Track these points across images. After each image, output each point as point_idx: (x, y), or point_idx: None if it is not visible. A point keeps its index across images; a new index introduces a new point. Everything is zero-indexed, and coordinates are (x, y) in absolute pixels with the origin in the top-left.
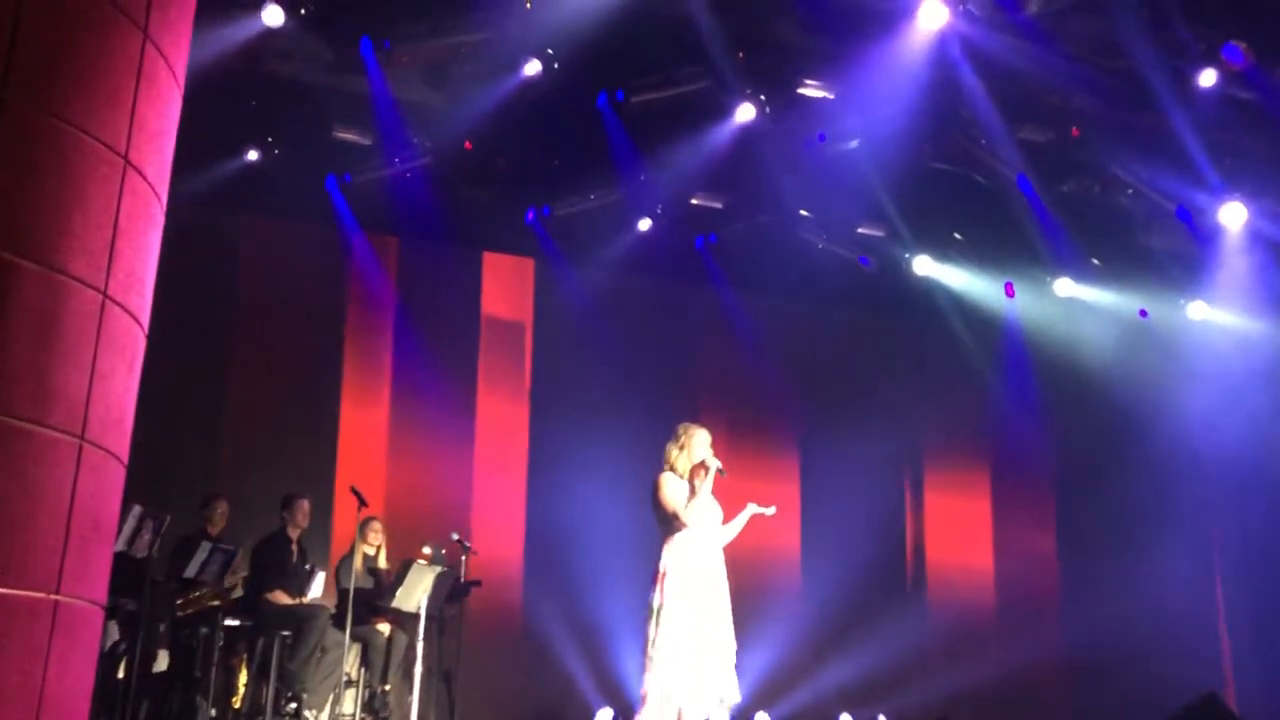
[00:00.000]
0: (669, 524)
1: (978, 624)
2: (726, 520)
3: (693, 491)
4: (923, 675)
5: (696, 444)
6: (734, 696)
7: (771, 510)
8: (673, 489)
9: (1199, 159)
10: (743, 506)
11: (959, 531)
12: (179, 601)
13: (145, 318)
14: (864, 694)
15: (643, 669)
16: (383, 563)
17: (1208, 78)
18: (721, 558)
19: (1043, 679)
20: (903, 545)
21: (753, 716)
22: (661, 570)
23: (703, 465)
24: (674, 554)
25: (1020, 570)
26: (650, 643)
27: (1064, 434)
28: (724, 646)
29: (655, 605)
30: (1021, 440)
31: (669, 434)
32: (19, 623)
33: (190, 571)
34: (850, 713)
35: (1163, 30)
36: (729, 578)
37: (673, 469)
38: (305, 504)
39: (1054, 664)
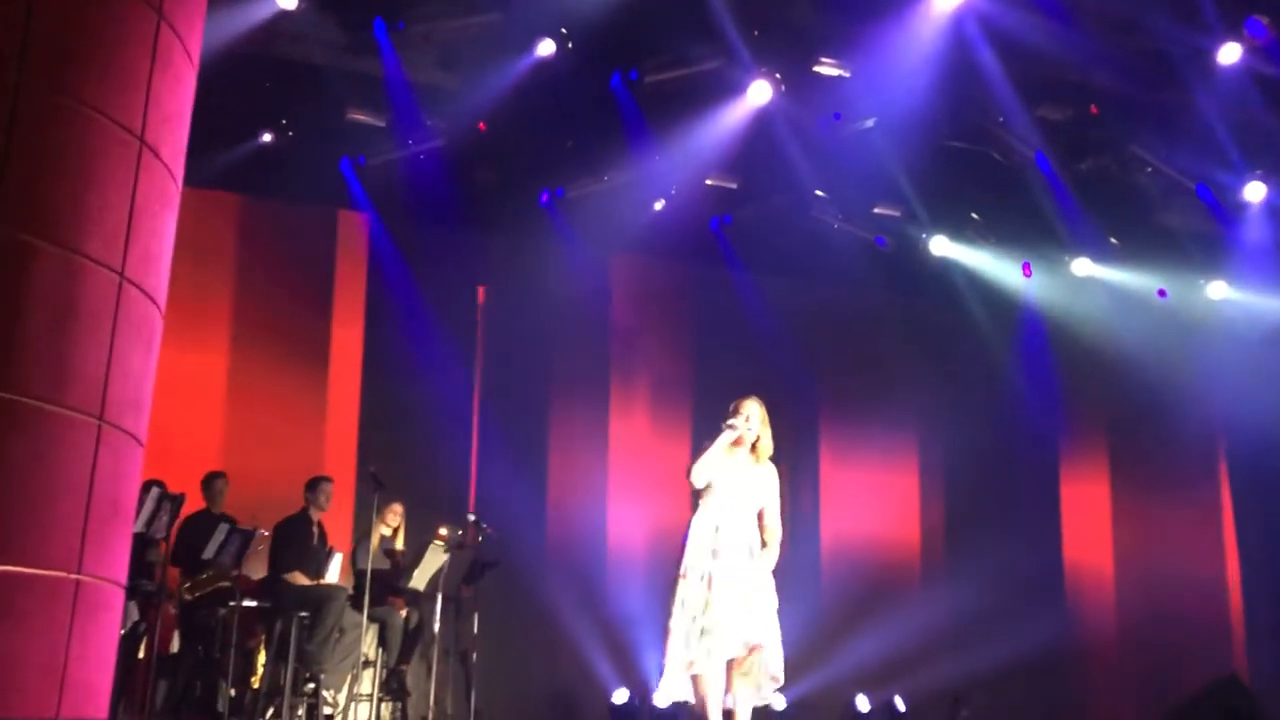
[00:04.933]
0: (696, 491)
1: (993, 604)
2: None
3: (704, 452)
4: (939, 655)
5: (739, 415)
6: (769, 689)
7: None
8: (701, 452)
9: (1220, 136)
10: (759, 487)
11: (974, 512)
12: (187, 584)
13: (162, 298)
14: (880, 675)
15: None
16: (400, 545)
17: (1229, 53)
18: (742, 538)
19: (1056, 660)
20: (918, 525)
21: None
22: (685, 538)
23: (736, 434)
24: (695, 521)
25: (1035, 551)
26: (669, 611)
27: (1081, 414)
28: (726, 623)
29: (679, 574)
30: (1038, 420)
31: (681, 413)
32: (41, 602)
33: (209, 553)
34: (866, 693)
35: (1184, 5)
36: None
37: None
38: (329, 486)
39: (1068, 645)
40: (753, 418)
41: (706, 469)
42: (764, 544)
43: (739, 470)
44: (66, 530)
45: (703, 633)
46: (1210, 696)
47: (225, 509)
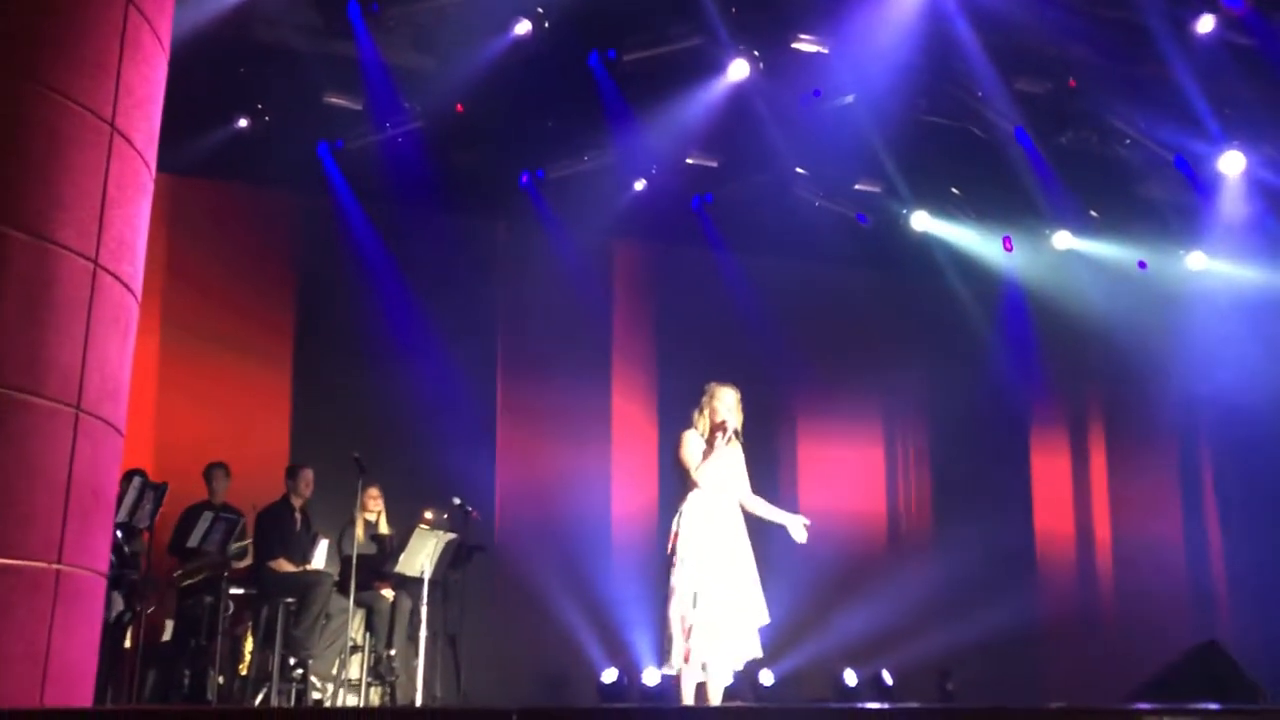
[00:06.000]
0: (684, 482)
1: (978, 578)
2: (752, 486)
3: (708, 451)
4: (925, 629)
5: (718, 403)
6: (753, 652)
7: (802, 535)
8: (689, 447)
9: (1198, 107)
10: (755, 468)
11: (960, 486)
12: (177, 573)
13: (138, 285)
14: (867, 649)
15: (664, 627)
16: (383, 528)
17: (1206, 24)
18: (739, 517)
19: (1042, 632)
20: (901, 501)
21: (756, 674)
22: (674, 529)
23: (721, 426)
24: (686, 513)
25: (1019, 524)
26: (667, 601)
27: (1064, 387)
28: (742, 604)
29: (670, 564)
30: (1020, 394)
31: (660, 393)
32: (21, 593)
33: (193, 541)
34: (854, 667)
35: None
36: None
37: (695, 427)
38: (309, 473)
39: (1054, 617)
40: (734, 407)
41: (709, 467)
42: (750, 512)
43: (723, 457)
44: (46, 520)
45: (711, 625)
46: (1190, 662)
47: (229, 499)
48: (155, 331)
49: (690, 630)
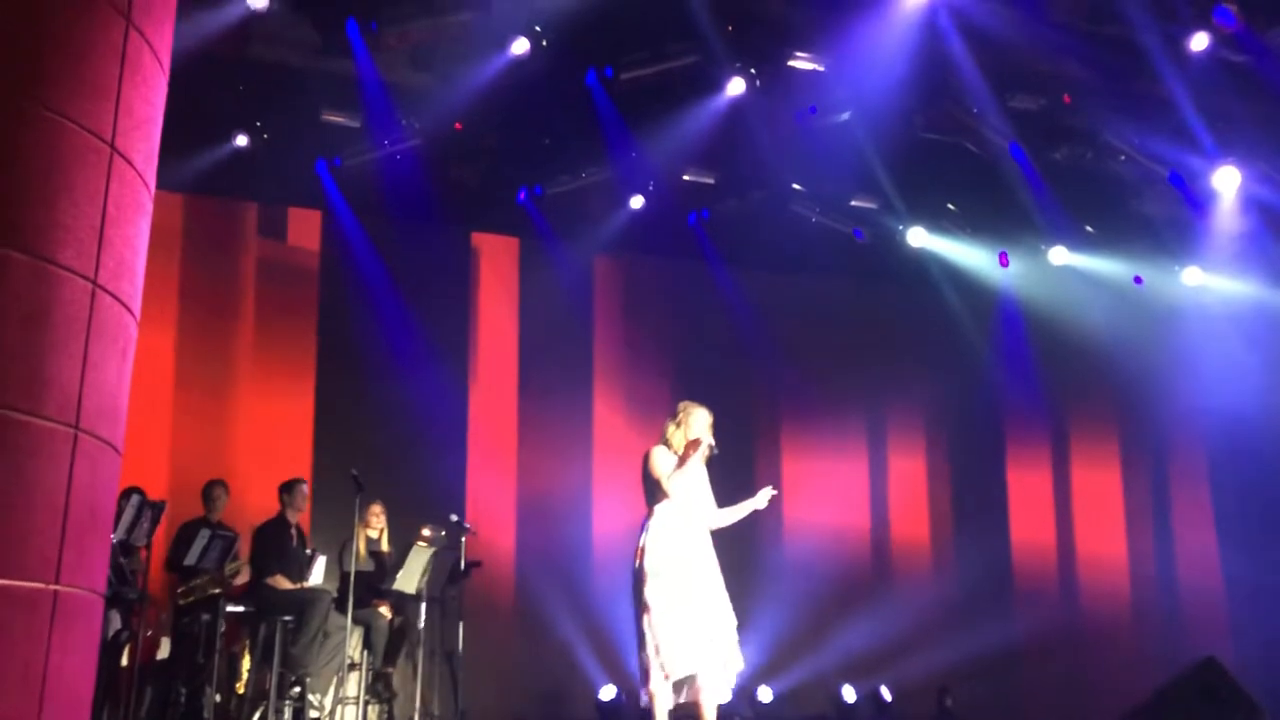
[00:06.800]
0: (654, 495)
1: (977, 594)
2: (720, 505)
3: (679, 465)
4: (923, 646)
5: (694, 422)
6: (737, 664)
7: (764, 500)
8: (661, 460)
9: (1192, 123)
10: (740, 479)
11: (957, 501)
12: (180, 589)
13: (136, 306)
14: (865, 665)
15: (638, 645)
16: (385, 546)
17: (1199, 41)
18: (707, 534)
19: (1040, 648)
20: (902, 516)
21: (754, 691)
22: (640, 545)
23: (695, 441)
24: (654, 528)
25: (1016, 541)
26: (637, 619)
27: (1060, 403)
28: (716, 615)
29: (635, 581)
30: (1017, 410)
31: (662, 410)
32: (19, 613)
33: (190, 559)
34: (852, 684)
35: None
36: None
37: (667, 444)
38: (305, 488)
39: (1052, 633)
40: (708, 427)
41: (682, 480)
42: (720, 527)
43: (692, 473)
44: (44, 540)
45: (695, 637)
46: (1188, 680)
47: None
48: (170, 352)
49: (668, 646)
